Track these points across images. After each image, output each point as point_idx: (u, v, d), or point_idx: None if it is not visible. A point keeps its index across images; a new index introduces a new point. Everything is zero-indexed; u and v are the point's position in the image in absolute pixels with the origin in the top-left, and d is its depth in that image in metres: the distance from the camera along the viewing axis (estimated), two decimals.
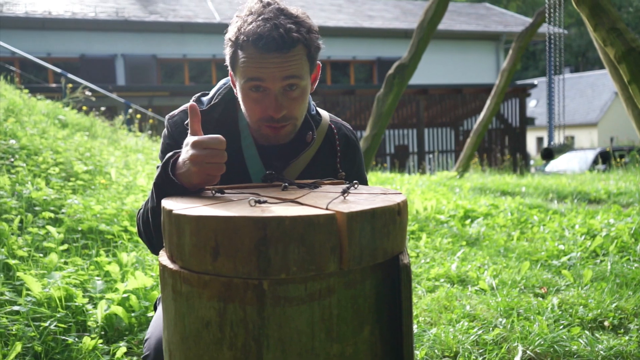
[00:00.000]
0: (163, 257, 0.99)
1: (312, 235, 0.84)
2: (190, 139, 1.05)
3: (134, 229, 3.38)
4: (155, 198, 1.16)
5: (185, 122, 1.31)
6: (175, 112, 1.39)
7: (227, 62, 1.28)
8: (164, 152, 1.35)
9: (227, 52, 1.26)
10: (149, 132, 8.11)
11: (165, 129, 1.39)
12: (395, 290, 0.96)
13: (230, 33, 1.24)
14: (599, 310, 2.64)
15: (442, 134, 15.44)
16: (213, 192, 1.09)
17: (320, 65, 1.34)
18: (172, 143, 1.34)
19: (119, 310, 2.30)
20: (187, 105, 1.36)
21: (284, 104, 1.22)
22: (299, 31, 1.20)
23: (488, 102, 9.78)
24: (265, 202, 0.94)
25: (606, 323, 2.56)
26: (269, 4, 1.23)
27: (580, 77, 33.30)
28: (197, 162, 1.02)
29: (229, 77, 1.36)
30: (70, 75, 8.34)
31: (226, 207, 0.92)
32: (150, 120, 8.73)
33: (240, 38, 1.20)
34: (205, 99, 1.40)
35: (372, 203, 0.94)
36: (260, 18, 1.19)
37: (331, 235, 0.85)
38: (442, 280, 3.25)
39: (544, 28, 9.88)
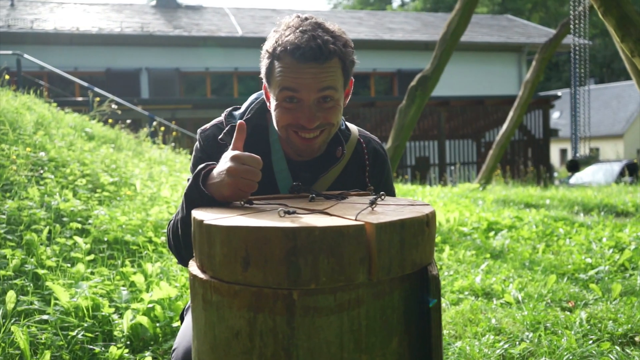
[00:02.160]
0: (193, 267, 1.01)
1: (342, 245, 0.84)
2: (230, 153, 1.09)
3: (159, 240, 3.43)
4: (185, 209, 1.18)
5: (219, 137, 1.32)
6: (207, 126, 1.40)
7: (263, 74, 1.29)
8: (195, 165, 1.35)
9: (263, 63, 1.27)
10: (172, 144, 8.23)
11: (197, 143, 1.40)
12: (424, 302, 0.96)
13: (268, 45, 1.26)
14: (629, 325, 2.57)
15: (464, 145, 15.34)
16: (242, 202, 1.10)
17: (353, 80, 1.34)
18: (204, 156, 1.34)
19: (144, 320, 2.33)
20: (219, 119, 1.39)
21: (317, 114, 1.23)
22: (336, 44, 1.21)
23: (511, 113, 9.69)
24: (294, 212, 0.95)
25: (637, 338, 2.49)
26: (306, 19, 1.25)
27: (605, 88, 32.80)
28: (233, 174, 1.05)
29: (261, 92, 1.38)
30: (96, 89, 8.52)
31: (256, 218, 0.93)
32: (174, 133, 8.85)
33: (278, 49, 1.21)
34: (237, 113, 1.40)
35: (400, 214, 0.94)
36: (298, 30, 1.21)
37: (360, 245, 0.85)
38: (466, 293, 3.21)
39: (568, 39, 9.78)
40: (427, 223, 0.96)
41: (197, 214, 1.00)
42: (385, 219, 0.89)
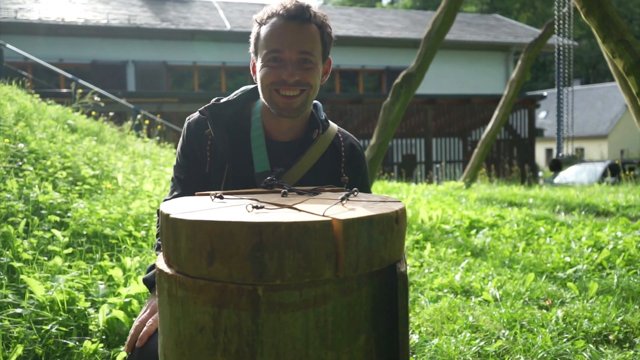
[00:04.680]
0: (160, 262, 0.99)
1: (308, 241, 0.84)
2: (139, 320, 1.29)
3: (139, 234, 3.39)
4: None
5: (200, 109, 1.45)
6: (194, 114, 1.49)
7: (251, 45, 1.43)
8: (178, 152, 1.49)
9: (252, 34, 1.42)
10: (157, 138, 8.16)
11: (183, 130, 1.50)
12: (392, 299, 0.96)
13: (257, 16, 1.41)
14: (604, 324, 2.61)
15: (450, 143, 15.42)
16: (212, 197, 1.09)
17: (331, 60, 1.49)
18: (185, 145, 1.46)
19: (120, 314, 2.30)
20: (204, 106, 1.47)
21: (297, 72, 1.35)
22: (316, 14, 1.40)
23: (496, 112, 9.76)
24: (262, 207, 0.95)
25: (611, 337, 2.52)
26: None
27: (591, 89, 33.17)
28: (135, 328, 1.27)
29: (249, 85, 1.50)
30: (81, 81, 8.42)
31: (223, 212, 0.92)
32: (159, 127, 8.77)
33: (266, 15, 1.39)
34: (223, 99, 1.50)
35: (370, 210, 0.94)
36: (284, 1, 1.39)
37: (327, 241, 0.85)
38: (445, 290, 3.23)
39: (553, 39, 9.86)
40: (396, 220, 0.96)
41: (165, 207, 0.98)
42: (353, 215, 0.88)
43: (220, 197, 1.10)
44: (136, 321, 1.28)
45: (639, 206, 6.36)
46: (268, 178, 1.27)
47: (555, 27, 8.70)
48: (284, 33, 1.35)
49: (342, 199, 1.02)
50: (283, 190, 1.15)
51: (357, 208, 0.97)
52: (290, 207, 0.98)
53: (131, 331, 1.26)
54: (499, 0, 40.45)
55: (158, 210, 1.44)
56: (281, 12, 1.35)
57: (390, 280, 0.96)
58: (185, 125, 1.48)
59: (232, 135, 1.43)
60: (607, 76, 36.44)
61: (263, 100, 1.42)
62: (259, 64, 1.39)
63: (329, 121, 1.52)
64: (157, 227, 1.49)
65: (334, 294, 0.88)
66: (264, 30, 1.38)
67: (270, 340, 0.85)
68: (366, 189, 1.53)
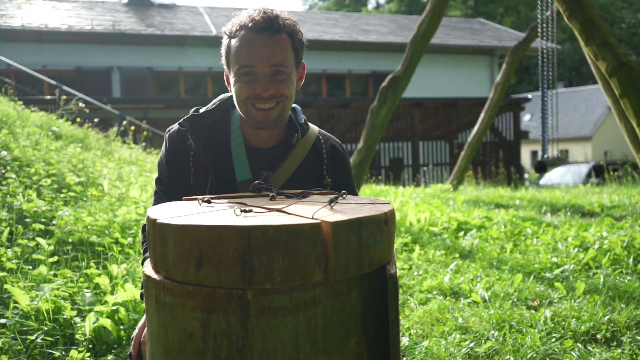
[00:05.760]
0: (147, 268, 0.98)
1: (297, 244, 0.83)
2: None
3: (125, 241, 3.36)
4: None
5: (179, 122, 1.44)
6: (174, 125, 1.47)
7: (223, 58, 1.41)
8: (160, 164, 1.47)
9: (223, 46, 1.40)
10: (144, 144, 8.09)
11: (163, 143, 1.48)
12: (382, 301, 0.95)
13: (226, 28, 1.39)
14: (592, 323, 2.63)
15: (437, 146, 15.50)
16: (200, 202, 1.08)
17: (305, 65, 1.47)
18: (169, 156, 1.45)
19: (107, 323, 2.27)
20: (183, 118, 1.46)
21: (271, 85, 1.34)
22: (285, 22, 1.36)
23: (482, 115, 9.84)
24: (250, 211, 0.94)
25: (599, 336, 2.55)
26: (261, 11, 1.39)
27: (574, 92, 33.58)
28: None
29: (228, 93, 1.48)
30: (65, 87, 8.34)
31: (211, 217, 0.91)
32: (145, 133, 8.71)
33: (234, 27, 1.36)
34: (202, 109, 1.48)
35: (358, 212, 0.93)
36: (252, 12, 1.37)
37: (316, 244, 0.84)
38: (434, 292, 3.24)
39: (537, 43, 9.97)
40: (385, 222, 0.96)
41: (152, 212, 0.97)
42: (342, 218, 0.88)
43: (208, 202, 1.09)
44: (140, 323, 1.34)
45: (624, 206, 6.44)
46: (256, 182, 1.26)
47: (539, 30, 8.80)
48: (254, 47, 1.32)
49: (331, 202, 1.01)
50: (271, 194, 1.15)
51: (346, 210, 0.96)
52: (279, 210, 0.97)
53: (135, 332, 1.32)
54: (483, 4, 40.88)
55: (143, 226, 1.45)
56: (249, 25, 1.33)
57: (380, 282, 0.96)
58: (167, 136, 1.46)
59: (213, 145, 1.42)
60: (590, 79, 36.95)
61: (240, 113, 1.41)
62: (232, 78, 1.38)
63: (309, 124, 1.52)
64: (143, 241, 1.47)
65: (324, 298, 0.87)
66: (234, 43, 1.36)
67: (261, 346, 0.84)
68: (351, 190, 1.52)
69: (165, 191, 1.45)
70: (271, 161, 1.42)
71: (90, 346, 2.24)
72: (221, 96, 1.51)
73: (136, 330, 1.34)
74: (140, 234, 1.49)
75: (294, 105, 1.49)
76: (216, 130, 1.44)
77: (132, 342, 1.32)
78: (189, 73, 16.49)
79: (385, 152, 14.90)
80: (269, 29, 1.32)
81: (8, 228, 3.01)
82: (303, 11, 28.00)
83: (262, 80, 1.33)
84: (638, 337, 2.50)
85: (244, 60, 1.33)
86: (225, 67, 1.42)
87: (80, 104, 7.14)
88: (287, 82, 1.36)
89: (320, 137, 1.51)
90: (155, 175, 1.49)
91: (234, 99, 1.39)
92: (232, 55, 1.36)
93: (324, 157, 1.48)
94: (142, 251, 1.44)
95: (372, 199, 1.16)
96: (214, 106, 1.46)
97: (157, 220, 0.90)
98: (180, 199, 1.39)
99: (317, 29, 17.63)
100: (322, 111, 13.17)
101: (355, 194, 1.53)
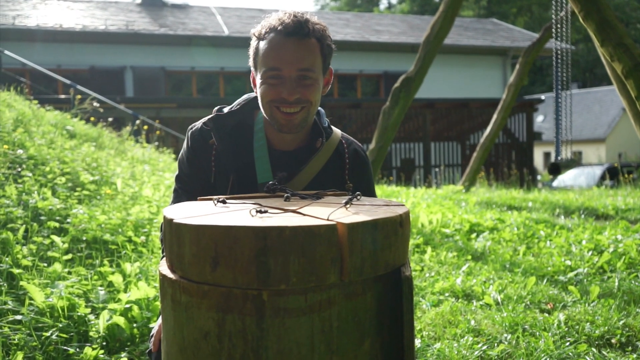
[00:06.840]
0: (163, 267, 0.99)
1: (313, 245, 0.83)
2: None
3: (139, 240, 3.38)
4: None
5: (203, 122, 1.45)
6: (197, 123, 1.47)
7: (250, 59, 1.41)
8: (181, 161, 1.47)
9: (251, 48, 1.40)
10: (156, 143, 8.15)
11: (185, 140, 1.48)
12: (397, 303, 0.95)
13: (255, 30, 1.39)
14: (606, 328, 2.60)
15: (449, 147, 15.42)
16: (215, 202, 1.09)
17: (333, 71, 1.46)
18: (190, 155, 1.45)
19: (121, 320, 2.29)
20: (207, 117, 1.46)
21: (297, 89, 1.34)
22: (315, 27, 1.37)
23: (495, 116, 9.76)
24: (266, 212, 0.94)
25: (613, 340, 2.52)
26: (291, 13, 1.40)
27: (588, 93, 33.24)
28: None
29: (251, 93, 1.48)
30: (79, 87, 8.41)
31: (227, 217, 0.91)
32: (158, 132, 8.77)
33: (264, 30, 1.36)
34: (226, 109, 1.48)
35: (374, 214, 0.93)
36: (282, 15, 1.37)
37: (332, 246, 0.84)
38: (446, 294, 3.22)
39: (550, 43, 9.88)
40: (400, 223, 0.96)
41: (168, 212, 0.98)
42: (357, 219, 0.88)
43: (223, 202, 1.10)
44: (159, 320, 1.34)
45: (638, 209, 6.36)
46: (270, 182, 1.27)
47: (553, 31, 8.72)
48: (282, 50, 1.32)
49: (346, 203, 1.02)
50: (286, 195, 1.15)
51: (361, 212, 0.96)
52: (294, 211, 0.97)
53: (155, 328, 1.33)
54: (496, 4, 40.60)
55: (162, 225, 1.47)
56: (279, 27, 1.33)
57: (395, 284, 0.96)
58: (189, 134, 1.46)
59: (235, 145, 1.42)
60: (605, 80, 36.55)
61: (264, 114, 1.41)
62: (258, 80, 1.38)
63: (332, 127, 1.51)
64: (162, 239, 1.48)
65: (339, 299, 0.88)
66: (262, 45, 1.36)
67: (275, 346, 0.84)
68: (371, 194, 1.53)
69: (185, 189, 1.45)
70: (293, 164, 1.42)
71: (104, 343, 2.26)
72: (245, 96, 1.51)
73: (156, 327, 1.34)
74: (159, 233, 1.51)
75: (318, 107, 1.48)
76: (239, 130, 1.44)
77: (152, 339, 1.32)
78: (201, 73, 16.57)
79: (397, 152, 14.86)
80: (298, 32, 1.33)
81: (24, 226, 3.05)
82: (314, 11, 28.02)
83: (289, 84, 1.33)
84: None
85: (271, 63, 1.33)
86: (252, 68, 1.42)
87: (94, 103, 7.20)
88: (313, 88, 1.36)
89: (343, 141, 1.51)
90: (176, 172, 1.49)
91: (259, 100, 1.39)
92: (260, 58, 1.36)
93: (346, 162, 1.48)
94: (162, 249, 1.45)
95: (387, 200, 1.16)
96: (238, 106, 1.46)
97: (174, 220, 0.90)
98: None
99: (330, 31, 17.59)
100: (333, 111, 13.17)
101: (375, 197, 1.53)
